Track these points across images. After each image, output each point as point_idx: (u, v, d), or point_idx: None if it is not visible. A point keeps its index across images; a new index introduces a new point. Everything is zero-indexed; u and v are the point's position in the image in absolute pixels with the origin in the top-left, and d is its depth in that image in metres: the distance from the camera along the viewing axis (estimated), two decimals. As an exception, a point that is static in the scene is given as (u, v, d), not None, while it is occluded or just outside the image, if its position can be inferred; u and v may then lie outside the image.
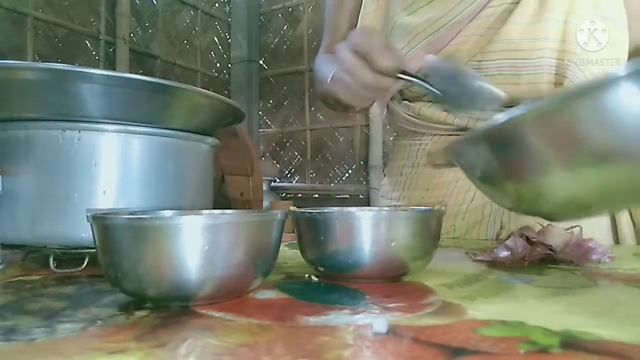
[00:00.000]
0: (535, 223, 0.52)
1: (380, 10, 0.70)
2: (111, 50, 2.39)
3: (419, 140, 0.71)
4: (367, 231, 0.33)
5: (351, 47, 0.47)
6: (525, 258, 0.44)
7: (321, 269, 0.36)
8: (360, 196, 2.75)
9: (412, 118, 0.69)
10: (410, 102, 0.70)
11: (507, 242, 0.45)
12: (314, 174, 3.01)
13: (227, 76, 3.19)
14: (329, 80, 0.52)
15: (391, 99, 0.72)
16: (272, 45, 3.18)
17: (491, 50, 0.59)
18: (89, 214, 0.29)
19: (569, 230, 0.48)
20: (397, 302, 0.29)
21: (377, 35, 0.50)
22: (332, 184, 2.94)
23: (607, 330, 0.23)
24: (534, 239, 0.46)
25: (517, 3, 0.58)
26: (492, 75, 0.60)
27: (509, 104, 0.62)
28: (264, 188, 2.34)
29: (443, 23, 0.60)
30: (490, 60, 0.60)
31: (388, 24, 0.68)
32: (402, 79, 0.46)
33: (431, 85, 0.46)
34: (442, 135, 0.68)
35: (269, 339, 0.22)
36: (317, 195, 2.96)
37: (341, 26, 0.78)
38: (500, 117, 0.24)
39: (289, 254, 0.50)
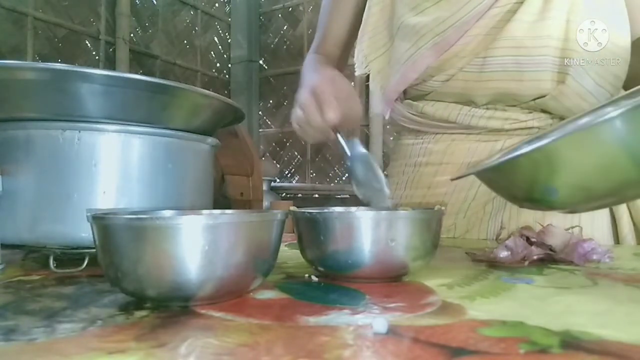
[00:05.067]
0: (535, 223, 0.53)
1: (386, 10, 0.70)
2: (111, 50, 2.39)
3: (421, 139, 0.71)
4: (367, 231, 0.33)
5: (312, 90, 0.51)
6: (525, 258, 0.44)
7: (321, 269, 0.36)
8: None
9: (414, 117, 0.70)
10: (413, 100, 0.70)
11: (507, 242, 0.45)
12: (314, 174, 3.01)
13: (227, 76, 3.19)
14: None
15: (395, 100, 0.72)
16: (272, 45, 3.18)
17: (495, 47, 0.60)
18: (89, 214, 0.29)
19: (569, 230, 0.48)
20: (397, 302, 0.29)
21: (343, 85, 0.54)
22: (332, 184, 2.94)
23: (607, 330, 0.23)
24: (534, 239, 0.46)
25: (522, 2, 0.59)
26: (496, 72, 0.60)
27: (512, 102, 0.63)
28: (264, 188, 2.34)
29: (451, 23, 0.61)
30: (494, 56, 0.60)
31: (394, 24, 0.68)
32: (336, 136, 0.51)
33: (347, 154, 0.50)
34: (444, 133, 0.68)
35: (269, 339, 0.22)
36: (317, 195, 2.96)
37: (334, 25, 0.77)
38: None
39: (289, 254, 0.50)
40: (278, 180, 3.05)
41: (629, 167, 0.29)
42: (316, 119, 0.50)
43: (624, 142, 0.28)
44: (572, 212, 0.40)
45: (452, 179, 0.47)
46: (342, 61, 0.79)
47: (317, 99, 0.50)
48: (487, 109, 0.64)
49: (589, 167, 0.30)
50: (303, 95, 0.52)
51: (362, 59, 0.73)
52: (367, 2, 0.72)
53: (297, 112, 0.53)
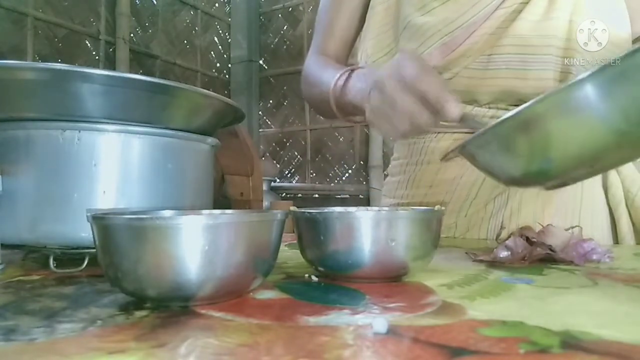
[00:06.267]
0: (535, 223, 0.53)
1: (390, 10, 0.70)
2: (111, 50, 2.39)
3: (423, 137, 0.71)
4: (367, 231, 0.33)
5: (403, 84, 0.44)
6: (525, 258, 0.44)
7: (321, 269, 0.36)
8: (360, 196, 2.75)
9: None
10: None
11: (507, 242, 0.45)
12: (314, 174, 3.01)
13: (227, 76, 3.19)
14: (366, 110, 0.49)
15: None
16: (272, 45, 3.18)
17: (501, 44, 0.60)
18: (89, 214, 0.29)
19: (569, 230, 0.48)
20: (397, 302, 0.29)
21: (428, 66, 0.46)
22: (332, 184, 2.94)
23: (607, 330, 0.23)
24: (534, 239, 0.46)
25: (527, 3, 0.59)
26: (501, 70, 0.60)
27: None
28: (264, 188, 2.34)
29: (459, 24, 0.61)
30: (500, 54, 0.60)
31: (399, 24, 0.68)
32: (466, 124, 0.44)
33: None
34: (446, 132, 0.68)
35: (269, 339, 0.22)
36: (317, 195, 2.96)
37: (338, 25, 0.77)
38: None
39: (289, 254, 0.50)
40: (278, 180, 3.05)
41: (604, 130, 0.29)
42: (428, 121, 0.44)
43: (597, 105, 0.28)
44: (562, 185, 0.39)
45: (442, 159, 0.45)
46: (345, 62, 0.78)
47: (427, 97, 0.43)
48: (490, 107, 0.64)
49: (569, 130, 0.30)
50: (401, 98, 0.44)
51: (366, 59, 0.73)
52: (371, 1, 0.72)
53: (404, 122, 0.45)
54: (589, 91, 0.28)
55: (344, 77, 0.59)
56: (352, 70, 0.59)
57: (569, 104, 0.30)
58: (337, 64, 0.71)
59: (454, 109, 0.42)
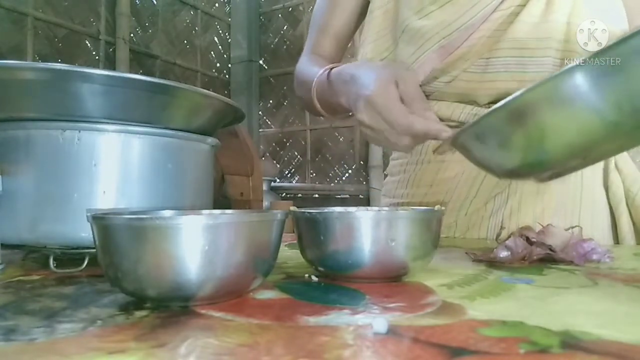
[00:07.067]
0: (535, 223, 0.53)
1: (389, 14, 0.70)
2: (111, 50, 2.39)
3: None
4: (367, 231, 0.33)
5: (389, 125, 0.48)
6: (525, 258, 0.44)
7: (321, 269, 0.36)
8: (360, 196, 2.75)
9: None
10: None
11: (507, 242, 0.45)
12: (314, 174, 3.01)
13: (227, 76, 3.19)
14: (358, 128, 0.53)
15: None
16: (272, 45, 3.18)
17: (499, 48, 0.60)
18: (89, 214, 0.29)
19: (569, 230, 0.48)
20: (397, 302, 0.29)
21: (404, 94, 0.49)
22: (332, 184, 2.94)
23: (607, 330, 0.23)
24: (534, 239, 0.46)
25: (524, 5, 0.59)
26: (499, 73, 0.61)
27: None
28: (264, 188, 2.34)
29: (457, 26, 0.61)
30: (498, 57, 0.60)
31: (397, 27, 0.68)
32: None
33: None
34: None
35: (269, 339, 0.22)
36: (317, 195, 2.96)
37: (332, 26, 0.77)
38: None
39: (289, 254, 0.50)
40: (278, 180, 3.05)
41: (595, 120, 0.29)
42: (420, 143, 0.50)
43: (587, 94, 0.28)
44: (557, 175, 0.39)
45: (434, 152, 0.46)
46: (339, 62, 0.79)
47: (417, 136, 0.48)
48: (490, 107, 0.64)
49: (561, 119, 0.30)
50: (393, 137, 0.49)
51: None
52: (369, 6, 0.72)
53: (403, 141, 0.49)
54: (579, 79, 0.28)
55: (324, 75, 0.60)
56: (332, 69, 0.59)
57: (559, 92, 0.29)
58: (325, 63, 0.72)
59: (446, 134, 0.45)
